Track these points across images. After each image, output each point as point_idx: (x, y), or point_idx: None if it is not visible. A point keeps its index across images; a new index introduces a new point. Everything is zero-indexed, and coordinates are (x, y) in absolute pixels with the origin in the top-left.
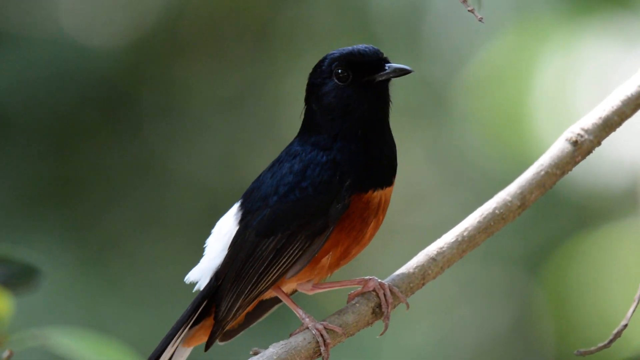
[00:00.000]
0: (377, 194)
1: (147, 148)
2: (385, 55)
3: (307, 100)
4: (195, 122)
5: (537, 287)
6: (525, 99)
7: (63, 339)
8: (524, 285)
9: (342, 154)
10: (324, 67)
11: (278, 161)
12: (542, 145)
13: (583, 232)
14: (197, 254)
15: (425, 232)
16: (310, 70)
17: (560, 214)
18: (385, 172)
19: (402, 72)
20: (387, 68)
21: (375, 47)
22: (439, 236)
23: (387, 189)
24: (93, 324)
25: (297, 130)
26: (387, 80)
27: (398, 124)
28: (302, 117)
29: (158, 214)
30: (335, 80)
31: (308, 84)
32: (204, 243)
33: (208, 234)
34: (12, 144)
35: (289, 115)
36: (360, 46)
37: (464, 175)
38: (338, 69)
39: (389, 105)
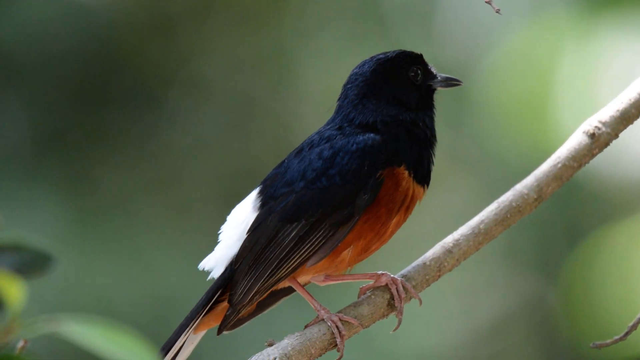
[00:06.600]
0: (409, 180)
1: (159, 111)
2: None
3: (370, 88)
4: (209, 90)
5: (553, 282)
6: (545, 88)
7: (75, 327)
8: (541, 279)
9: (387, 135)
10: (401, 62)
11: (309, 145)
12: (561, 135)
13: (604, 226)
14: (202, 219)
15: (441, 221)
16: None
17: (580, 207)
18: (423, 168)
19: (454, 83)
20: (438, 77)
21: None
22: (455, 226)
23: (418, 188)
24: (89, 281)
25: (308, 100)
26: (435, 89)
27: None
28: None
29: (166, 178)
30: (409, 79)
31: (377, 73)
32: (211, 208)
33: (215, 198)
34: (22, 93)
35: (302, 85)
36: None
37: (481, 163)
38: (416, 68)
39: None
